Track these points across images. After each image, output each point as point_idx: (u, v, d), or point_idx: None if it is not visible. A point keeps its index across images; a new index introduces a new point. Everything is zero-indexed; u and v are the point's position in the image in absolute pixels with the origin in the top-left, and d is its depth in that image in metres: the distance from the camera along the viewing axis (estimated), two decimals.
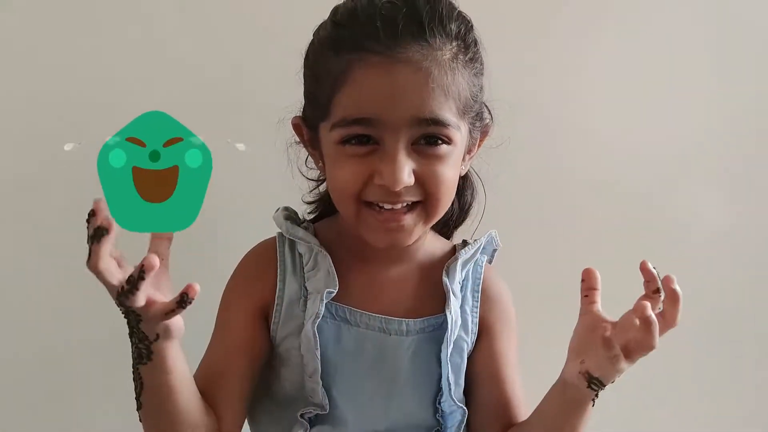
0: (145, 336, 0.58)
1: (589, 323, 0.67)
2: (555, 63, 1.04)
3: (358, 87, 0.63)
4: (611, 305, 1.07)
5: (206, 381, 0.70)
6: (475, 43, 0.69)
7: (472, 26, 0.69)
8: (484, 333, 0.79)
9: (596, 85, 1.05)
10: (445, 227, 0.84)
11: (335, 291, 0.71)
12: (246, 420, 0.77)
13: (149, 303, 0.56)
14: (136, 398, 0.65)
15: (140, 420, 0.66)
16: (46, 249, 0.97)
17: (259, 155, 0.93)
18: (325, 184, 0.82)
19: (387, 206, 0.66)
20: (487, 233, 0.80)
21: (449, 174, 0.67)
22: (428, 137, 0.65)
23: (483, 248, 0.80)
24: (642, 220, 1.08)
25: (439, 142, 0.66)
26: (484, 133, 0.76)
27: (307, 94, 0.72)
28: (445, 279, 0.75)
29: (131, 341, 0.59)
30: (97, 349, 0.98)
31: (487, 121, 0.75)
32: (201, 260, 0.95)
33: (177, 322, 0.59)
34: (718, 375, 1.09)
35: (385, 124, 0.63)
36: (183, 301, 0.55)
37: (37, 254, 0.97)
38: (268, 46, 0.96)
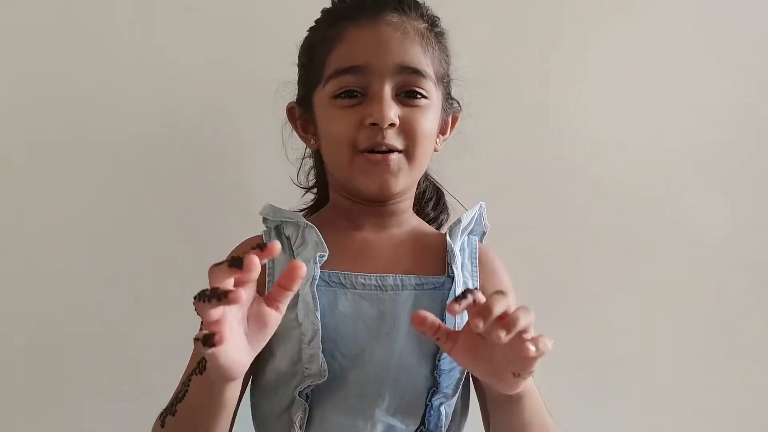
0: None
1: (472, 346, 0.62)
2: (556, 64, 1.06)
3: (349, 43, 0.75)
4: (609, 304, 1.07)
5: None
6: (442, 32, 0.80)
7: (439, 20, 0.80)
8: None
9: (597, 86, 1.06)
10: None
11: (326, 254, 0.74)
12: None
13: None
14: (168, 407, 0.67)
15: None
16: (46, 246, 1.00)
17: (257, 152, 0.96)
18: (314, 190, 0.89)
19: (377, 149, 0.74)
20: (478, 204, 0.83)
21: (427, 125, 0.76)
22: (409, 89, 0.74)
23: (472, 229, 0.83)
24: (640, 223, 1.08)
25: (419, 95, 0.75)
26: (455, 119, 0.85)
27: (301, 73, 0.81)
28: (449, 240, 0.78)
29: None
30: (91, 345, 0.99)
31: (456, 107, 0.84)
32: (200, 255, 0.97)
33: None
34: (719, 376, 1.07)
35: (373, 71, 0.73)
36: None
37: (35, 250, 0.99)
38: (268, 44, 0.98)
